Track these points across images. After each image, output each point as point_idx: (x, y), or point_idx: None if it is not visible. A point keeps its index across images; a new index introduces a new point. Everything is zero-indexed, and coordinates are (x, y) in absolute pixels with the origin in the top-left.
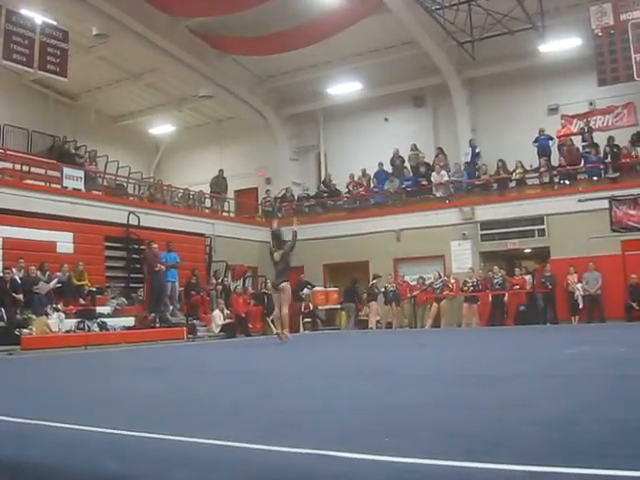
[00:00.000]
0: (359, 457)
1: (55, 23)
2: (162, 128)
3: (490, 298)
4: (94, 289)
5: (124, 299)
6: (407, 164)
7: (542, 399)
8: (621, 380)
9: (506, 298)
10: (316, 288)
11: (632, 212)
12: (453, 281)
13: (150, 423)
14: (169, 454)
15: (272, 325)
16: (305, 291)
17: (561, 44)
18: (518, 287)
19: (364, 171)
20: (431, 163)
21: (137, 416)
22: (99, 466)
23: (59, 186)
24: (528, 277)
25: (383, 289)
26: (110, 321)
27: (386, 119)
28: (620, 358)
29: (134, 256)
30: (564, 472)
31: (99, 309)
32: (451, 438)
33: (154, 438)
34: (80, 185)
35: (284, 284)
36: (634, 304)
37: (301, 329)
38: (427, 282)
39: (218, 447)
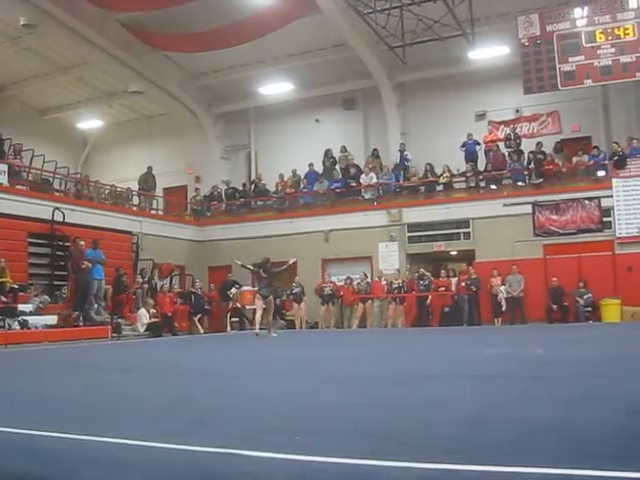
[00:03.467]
0: (267, 456)
1: None
2: (91, 123)
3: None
4: (16, 286)
5: (47, 297)
6: (338, 166)
7: (458, 399)
8: (535, 381)
9: (429, 300)
10: (244, 288)
11: (554, 217)
12: (384, 282)
13: (63, 422)
14: (79, 454)
15: (260, 321)
16: (233, 290)
17: (490, 52)
18: (443, 289)
19: (294, 171)
20: (362, 165)
21: (49, 416)
22: (9, 466)
23: None
24: (454, 279)
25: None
26: (32, 319)
27: (317, 120)
28: (537, 359)
29: (59, 253)
30: (467, 469)
31: (21, 307)
32: (363, 437)
33: (65, 438)
34: (3, 179)
35: (271, 297)
36: (554, 306)
37: (228, 328)
38: (354, 283)
39: (128, 446)
